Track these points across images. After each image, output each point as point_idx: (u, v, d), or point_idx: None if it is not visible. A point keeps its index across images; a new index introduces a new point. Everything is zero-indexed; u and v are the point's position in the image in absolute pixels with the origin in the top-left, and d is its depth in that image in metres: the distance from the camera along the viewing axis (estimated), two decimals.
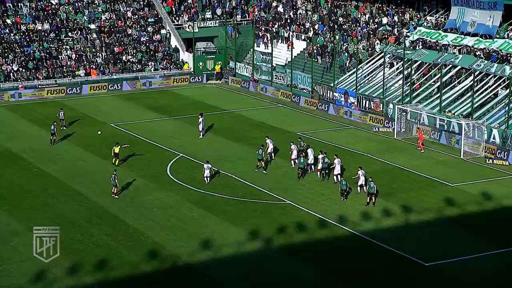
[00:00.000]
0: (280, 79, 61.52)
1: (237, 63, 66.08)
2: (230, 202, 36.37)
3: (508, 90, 45.26)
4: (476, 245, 31.11)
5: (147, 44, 66.92)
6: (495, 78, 48.09)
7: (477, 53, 50.91)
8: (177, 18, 70.10)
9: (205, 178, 38.31)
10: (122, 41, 66.59)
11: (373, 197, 35.09)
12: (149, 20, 69.27)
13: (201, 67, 66.70)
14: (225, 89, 63.18)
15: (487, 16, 51.90)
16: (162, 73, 64.97)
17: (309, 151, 40.44)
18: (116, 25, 67.98)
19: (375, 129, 49.65)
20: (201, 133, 47.66)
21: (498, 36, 51.36)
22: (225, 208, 35.54)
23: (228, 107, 55.81)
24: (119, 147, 41.53)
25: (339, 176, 38.09)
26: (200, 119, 47.47)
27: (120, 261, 29.74)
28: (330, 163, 38.67)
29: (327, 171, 38.76)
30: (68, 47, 64.42)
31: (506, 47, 49.95)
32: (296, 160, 40.38)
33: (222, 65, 66.80)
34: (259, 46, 65.98)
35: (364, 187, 36.37)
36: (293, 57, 61.15)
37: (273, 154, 42.55)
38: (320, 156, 39.21)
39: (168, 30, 68.99)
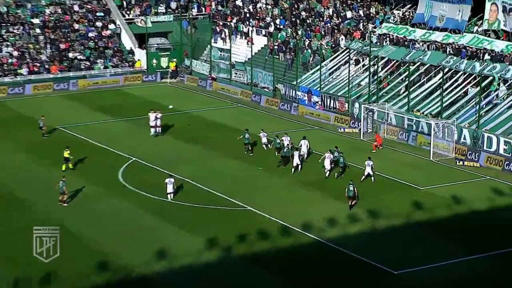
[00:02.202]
0: (239, 77, 61.74)
1: (193, 60, 66.08)
2: (186, 208, 36.41)
3: (478, 88, 46.16)
4: (446, 251, 31.67)
5: (96, 40, 66.51)
6: (464, 76, 49.01)
7: (446, 49, 51.79)
8: (128, 12, 69.83)
9: (169, 195, 37.22)
10: (69, 37, 66.06)
11: (352, 201, 35.68)
12: (97, 14, 68.85)
13: (154, 64, 66.54)
14: (180, 88, 63.14)
15: (456, 10, 52.86)
16: (112, 71, 64.66)
17: (303, 142, 42.79)
18: (61, 19, 67.41)
19: (340, 129, 50.20)
20: (155, 130, 47.60)
21: (467, 30, 52.33)
22: (181, 215, 35.58)
23: (184, 107, 55.79)
24: (68, 151, 41.25)
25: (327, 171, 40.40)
26: (158, 115, 47.77)
27: (69, 273, 29.54)
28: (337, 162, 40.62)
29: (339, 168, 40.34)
30: (9, 43, 63.66)
31: (475, 42, 50.91)
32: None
33: (177, 62, 66.74)
34: (216, 42, 66.11)
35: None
36: (253, 53, 61.42)
37: (269, 145, 44.64)
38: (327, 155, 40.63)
39: (118, 25, 68.65)
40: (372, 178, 39.50)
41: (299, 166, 41.23)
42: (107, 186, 39.34)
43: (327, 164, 40.25)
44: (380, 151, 45.03)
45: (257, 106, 56.90)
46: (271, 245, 32.19)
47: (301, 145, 43.12)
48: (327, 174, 40.30)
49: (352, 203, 35.76)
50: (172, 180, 37.41)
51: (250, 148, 44.60)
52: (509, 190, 38.88)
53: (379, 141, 45.68)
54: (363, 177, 39.44)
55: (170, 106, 52.20)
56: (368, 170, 39.42)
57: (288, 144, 42.71)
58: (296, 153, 41.44)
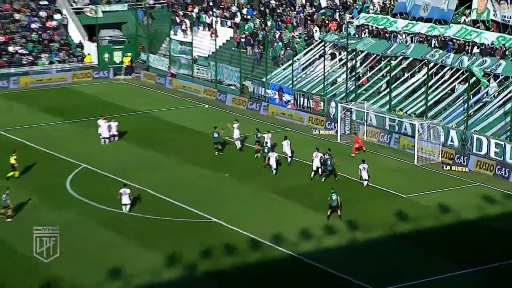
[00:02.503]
0: (202, 74, 61.88)
1: (150, 54, 66.11)
2: (143, 221, 36.46)
3: (466, 85, 46.80)
4: (432, 265, 32.14)
5: (40, 32, 66.26)
6: (451, 71, 49.65)
7: (431, 42, 52.41)
8: (76, 1, 69.66)
9: (124, 207, 37.08)
10: (8, 28, 65.73)
11: (338, 210, 36.03)
12: (41, 3, 68.62)
13: (106, 59, 66.47)
14: (136, 86, 63.16)
15: None
16: (59, 67, 64.47)
17: (285, 143, 43.65)
18: (0, 9, 66.98)
19: (315, 131, 50.60)
20: (109, 139, 47.55)
21: (454, 21, 53.01)
22: (138, 228, 35.62)
23: (140, 107, 55.85)
24: (15, 156, 41.01)
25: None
26: (112, 124, 47.68)
27: None
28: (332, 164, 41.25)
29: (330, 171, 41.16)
30: None
31: (463, 34, 51.58)
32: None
33: (133, 57, 66.76)
34: (176, 35, 66.23)
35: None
36: (217, 47, 61.63)
37: (241, 145, 45.79)
38: (318, 155, 41.44)
39: (65, 15, 68.46)
40: (364, 182, 39.99)
41: (275, 171, 41.55)
42: (53, 196, 39.23)
43: (315, 165, 40.90)
44: (358, 155, 45.44)
45: (222, 105, 57.09)
46: (239, 260, 32.40)
47: (283, 146, 43.79)
48: (312, 175, 41.07)
49: (338, 213, 36.09)
50: (128, 190, 37.26)
51: (220, 148, 44.97)
52: (501, 197, 39.52)
53: (360, 143, 46.05)
54: (366, 183, 40.09)
55: (206, 106, 54.54)
56: (364, 174, 39.95)
57: (267, 141, 43.37)
58: (273, 155, 41.79)
